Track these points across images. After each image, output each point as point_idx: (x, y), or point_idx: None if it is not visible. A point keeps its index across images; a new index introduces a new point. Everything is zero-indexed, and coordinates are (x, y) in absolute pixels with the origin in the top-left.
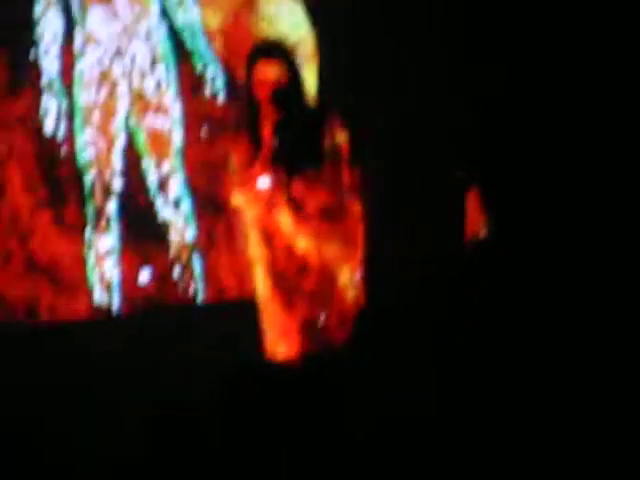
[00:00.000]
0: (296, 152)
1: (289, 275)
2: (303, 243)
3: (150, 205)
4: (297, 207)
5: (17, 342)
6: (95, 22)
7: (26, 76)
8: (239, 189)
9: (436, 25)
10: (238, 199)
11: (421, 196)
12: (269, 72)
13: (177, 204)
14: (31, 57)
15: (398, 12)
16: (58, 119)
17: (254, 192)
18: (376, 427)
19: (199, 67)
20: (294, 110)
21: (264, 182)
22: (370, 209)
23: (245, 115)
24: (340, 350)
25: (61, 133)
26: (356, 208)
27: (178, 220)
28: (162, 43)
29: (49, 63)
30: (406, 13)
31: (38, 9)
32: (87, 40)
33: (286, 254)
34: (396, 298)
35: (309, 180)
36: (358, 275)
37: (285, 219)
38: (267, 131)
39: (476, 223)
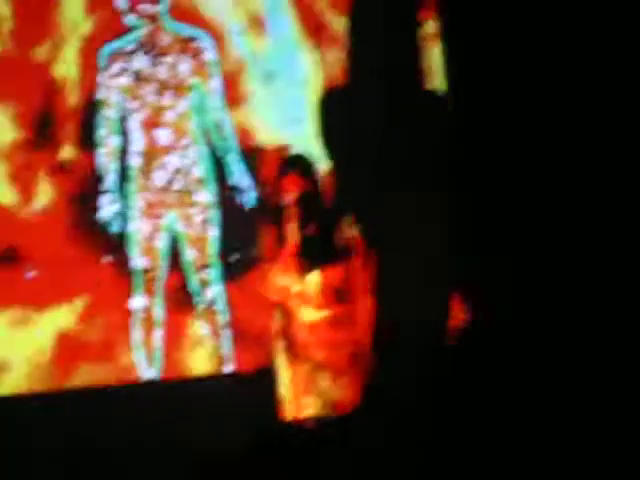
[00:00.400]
0: (314, 247)
1: (304, 350)
2: (318, 327)
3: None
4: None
5: None
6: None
7: None
8: (265, 278)
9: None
10: (265, 286)
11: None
12: (295, 182)
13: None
14: None
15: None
16: None
17: (277, 281)
18: None
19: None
20: (313, 212)
21: (285, 275)
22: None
23: (272, 216)
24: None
25: None
26: (367, 298)
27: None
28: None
29: None
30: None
31: None
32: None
33: (303, 333)
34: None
35: (326, 270)
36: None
37: (302, 305)
38: (291, 230)
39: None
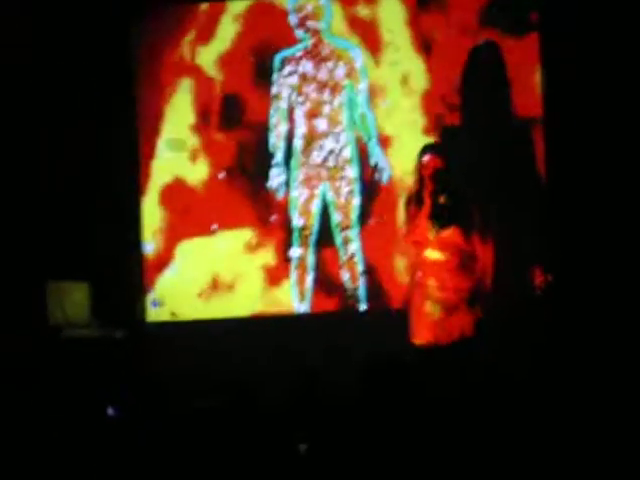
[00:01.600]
0: (444, 212)
1: (428, 288)
2: (441, 269)
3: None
4: (442, 247)
5: None
6: None
7: None
8: (406, 235)
9: None
10: (404, 240)
11: None
12: (431, 161)
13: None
14: None
15: None
16: None
17: (415, 236)
18: None
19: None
20: (445, 185)
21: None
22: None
23: (414, 186)
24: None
25: None
26: (484, 253)
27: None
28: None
29: None
30: None
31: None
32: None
33: (430, 272)
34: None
35: (453, 232)
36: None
37: (433, 252)
38: (427, 197)
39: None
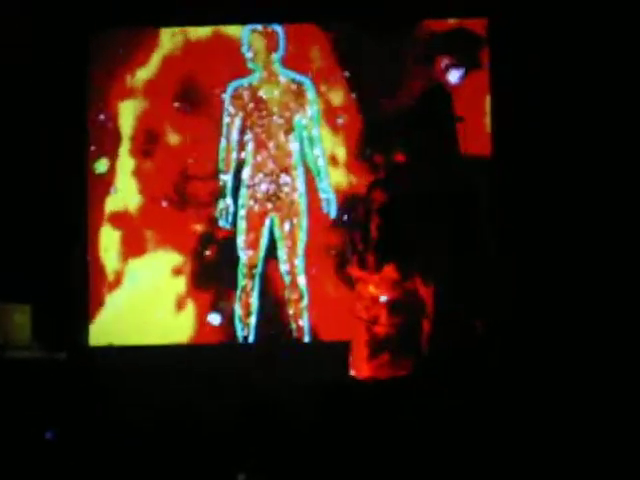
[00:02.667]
0: (388, 247)
1: (371, 325)
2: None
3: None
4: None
5: None
6: None
7: None
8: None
9: None
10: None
11: None
12: (378, 196)
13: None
14: None
15: None
16: None
17: (358, 268)
18: None
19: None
20: (390, 220)
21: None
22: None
23: (361, 220)
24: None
25: None
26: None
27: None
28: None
29: None
30: None
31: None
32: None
33: (371, 306)
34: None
35: (394, 268)
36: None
37: (373, 287)
38: (372, 231)
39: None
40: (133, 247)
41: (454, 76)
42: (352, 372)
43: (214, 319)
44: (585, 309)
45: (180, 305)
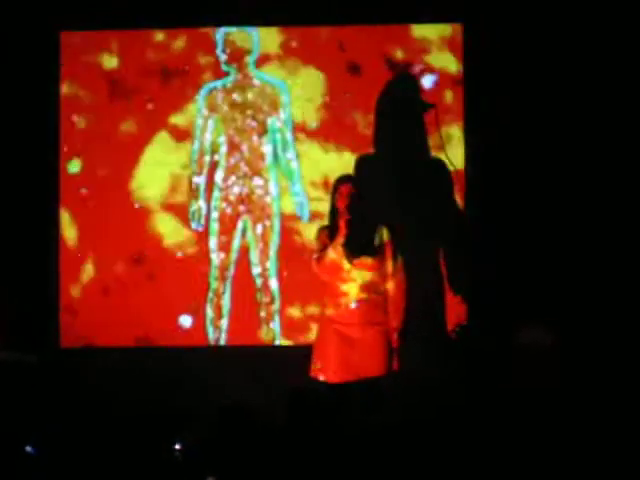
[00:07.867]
0: (357, 244)
1: (342, 325)
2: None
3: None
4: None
5: None
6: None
7: None
8: (318, 261)
9: None
10: (316, 268)
11: None
12: (346, 191)
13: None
14: None
15: None
16: None
17: (328, 264)
18: None
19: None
20: (359, 216)
21: (335, 260)
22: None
23: (328, 216)
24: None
25: None
26: (392, 287)
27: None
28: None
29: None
30: None
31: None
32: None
33: (340, 305)
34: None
35: (364, 261)
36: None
37: (343, 284)
38: (341, 227)
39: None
40: (109, 249)
41: (428, 81)
42: (321, 377)
43: (185, 321)
44: (569, 298)
45: None
